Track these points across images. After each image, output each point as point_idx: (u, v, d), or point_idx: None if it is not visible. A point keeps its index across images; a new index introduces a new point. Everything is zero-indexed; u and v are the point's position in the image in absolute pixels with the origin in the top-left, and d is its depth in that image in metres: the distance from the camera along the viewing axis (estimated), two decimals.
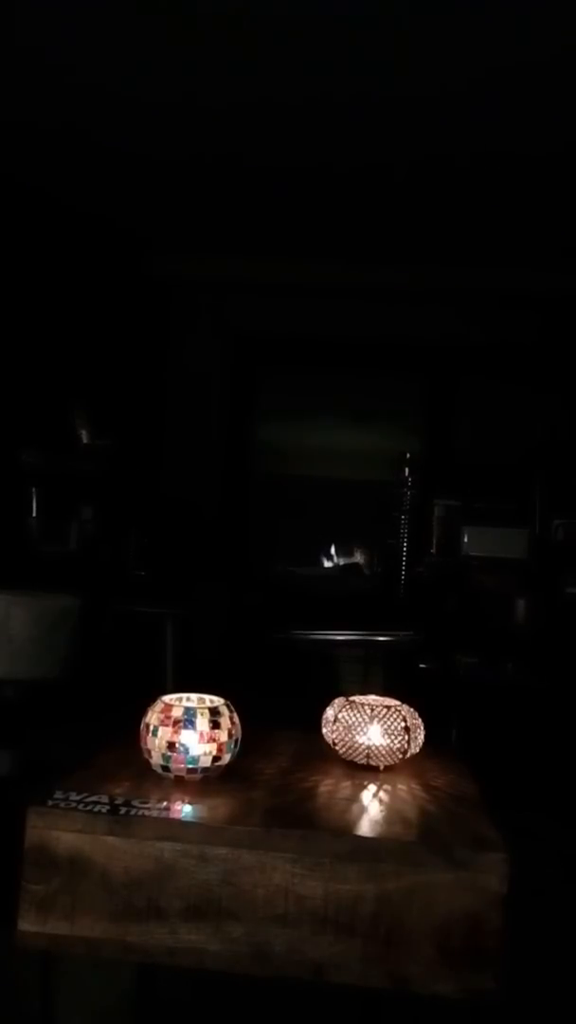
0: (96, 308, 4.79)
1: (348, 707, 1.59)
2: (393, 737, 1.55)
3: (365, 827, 1.34)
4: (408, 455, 4.75)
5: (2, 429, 4.15)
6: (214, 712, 1.44)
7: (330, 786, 1.49)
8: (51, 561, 4.02)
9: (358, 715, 1.57)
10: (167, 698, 1.48)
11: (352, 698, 1.63)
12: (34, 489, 4.22)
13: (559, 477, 4.46)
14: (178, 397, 5.38)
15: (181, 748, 1.40)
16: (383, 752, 1.55)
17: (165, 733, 1.41)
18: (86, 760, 1.51)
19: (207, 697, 1.51)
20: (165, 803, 1.33)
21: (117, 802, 1.32)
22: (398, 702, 1.62)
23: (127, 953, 1.28)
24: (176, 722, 1.41)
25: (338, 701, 1.63)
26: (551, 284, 4.95)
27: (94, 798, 1.32)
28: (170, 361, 5.37)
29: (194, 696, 1.51)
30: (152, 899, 1.26)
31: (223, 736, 1.43)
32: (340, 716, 1.59)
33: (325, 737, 1.61)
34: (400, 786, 1.51)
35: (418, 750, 1.59)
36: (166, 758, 1.41)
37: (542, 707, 3.64)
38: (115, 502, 4.59)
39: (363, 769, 1.56)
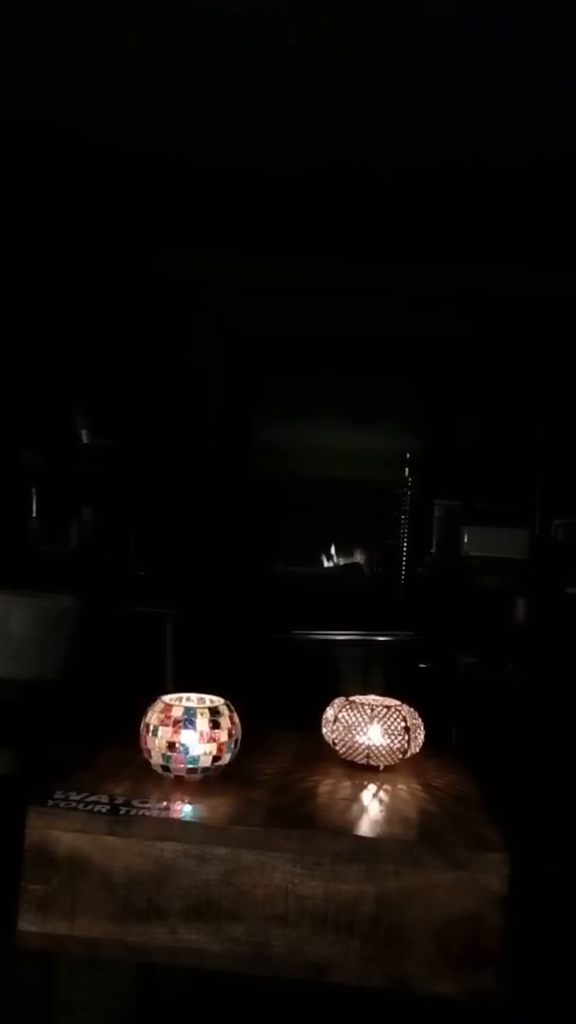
0: (96, 308, 4.79)
1: (348, 707, 1.59)
2: (393, 737, 1.55)
3: (365, 827, 1.34)
4: (408, 455, 4.75)
5: (2, 429, 4.15)
6: (214, 712, 1.44)
7: (330, 786, 1.49)
8: (51, 561, 4.02)
9: (358, 715, 1.56)
10: (167, 698, 1.48)
11: (352, 698, 1.63)
12: (34, 489, 4.22)
13: (559, 477, 4.46)
14: (178, 397, 5.38)
15: (181, 748, 1.40)
16: (383, 752, 1.55)
17: (165, 733, 1.41)
18: (86, 760, 1.51)
19: (207, 697, 1.51)
20: (165, 803, 1.33)
21: (117, 802, 1.32)
22: (398, 702, 1.62)
23: (127, 953, 1.28)
24: (176, 722, 1.41)
25: (338, 701, 1.63)
26: (551, 285, 4.95)
27: (94, 798, 1.32)
28: (170, 361, 5.38)
29: (194, 696, 1.51)
30: (152, 899, 1.26)
31: (223, 736, 1.43)
32: (340, 716, 1.58)
33: (325, 737, 1.61)
34: (400, 786, 1.51)
35: (418, 750, 1.59)
36: (166, 758, 1.41)
37: (542, 707, 3.64)
38: (115, 502, 4.59)
39: (363, 769, 1.56)
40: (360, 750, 1.56)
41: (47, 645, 3.03)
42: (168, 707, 1.44)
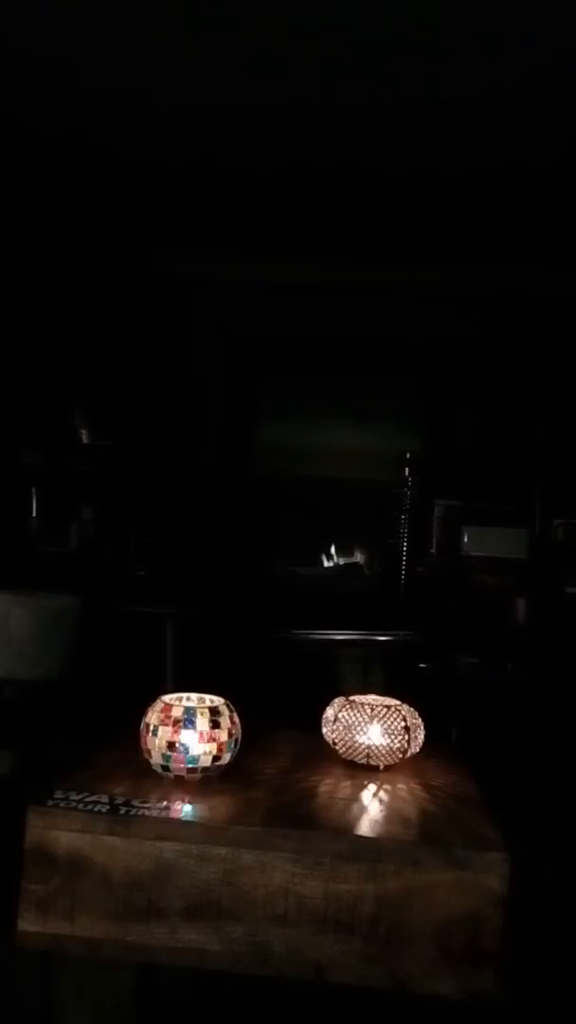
0: (96, 308, 4.79)
1: (348, 707, 1.59)
2: (393, 737, 1.55)
3: (365, 827, 1.33)
4: (408, 455, 4.75)
5: (2, 429, 4.15)
6: (214, 712, 1.44)
7: (330, 786, 1.49)
8: (51, 561, 4.03)
9: (358, 715, 1.57)
10: (167, 698, 1.48)
11: (352, 698, 1.63)
12: (34, 489, 4.22)
13: (559, 477, 4.45)
14: (178, 397, 5.38)
15: (181, 748, 1.40)
16: (383, 752, 1.55)
17: (165, 733, 1.41)
18: (86, 760, 1.51)
19: (207, 697, 1.51)
20: (165, 803, 1.33)
21: (117, 802, 1.32)
22: (398, 702, 1.62)
23: (127, 953, 1.28)
24: (176, 722, 1.41)
25: (338, 701, 1.63)
26: (551, 285, 4.95)
27: (94, 798, 1.32)
28: (170, 361, 5.37)
29: (194, 696, 1.51)
30: (152, 899, 1.26)
31: (223, 736, 1.43)
32: (340, 716, 1.59)
33: (325, 737, 1.61)
34: (400, 786, 1.51)
35: (418, 750, 1.59)
36: (166, 758, 1.41)
37: (542, 707, 3.64)
38: (115, 502, 4.59)
39: (363, 769, 1.56)
40: (360, 750, 1.56)
41: (47, 645, 3.03)
42: (168, 707, 1.44)
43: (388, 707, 1.58)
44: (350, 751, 1.57)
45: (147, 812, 1.29)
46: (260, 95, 3.32)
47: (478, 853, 1.24)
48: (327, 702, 1.65)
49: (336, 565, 5.42)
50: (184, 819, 1.30)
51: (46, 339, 4.45)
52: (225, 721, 1.44)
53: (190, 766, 1.41)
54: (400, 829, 1.32)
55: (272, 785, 1.46)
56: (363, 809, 1.41)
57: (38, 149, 3.93)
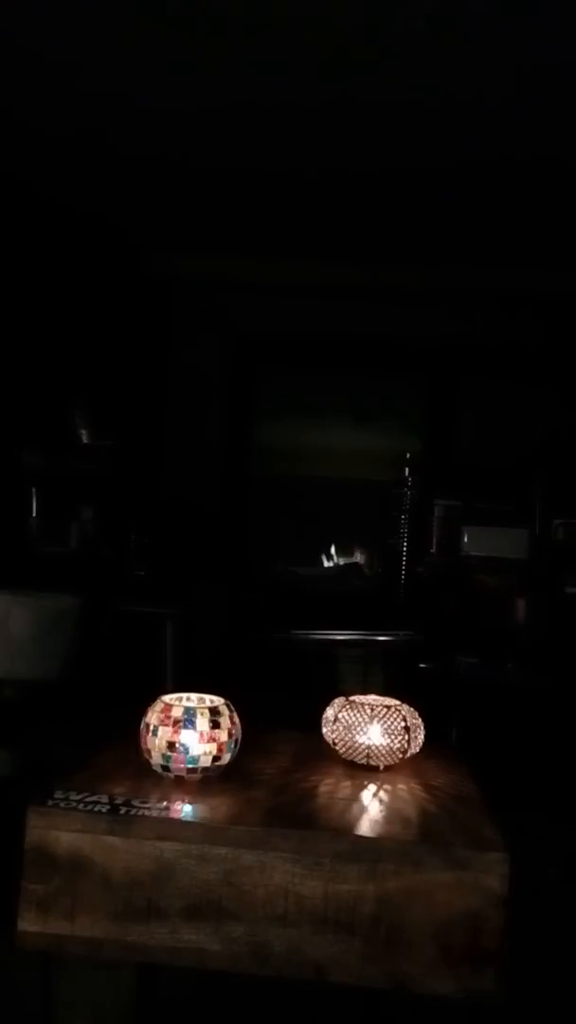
0: (96, 308, 4.79)
1: (348, 707, 1.59)
2: (393, 737, 1.55)
3: (365, 827, 1.33)
4: (408, 455, 4.75)
5: (2, 429, 4.15)
6: (214, 712, 1.44)
7: (330, 786, 1.49)
8: (51, 561, 4.03)
9: (358, 715, 1.56)
10: (167, 698, 1.48)
11: (352, 698, 1.63)
12: (34, 489, 4.22)
13: (559, 477, 4.45)
14: (178, 397, 5.38)
15: (181, 748, 1.40)
16: (383, 752, 1.55)
17: (165, 733, 1.41)
18: (86, 760, 1.51)
19: (207, 697, 1.51)
20: (165, 803, 1.33)
21: (117, 802, 1.32)
22: (398, 702, 1.62)
23: (127, 953, 1.28)
24: (176, 722, 1.41)
25: (338, 701, 1.63)
26: (552, 285, 4.95)
27: (94, 798, 1.32)
28: (170, 361, 5.38)
29: (194, 696, 1.51)
30: (152, 899, 1.26)
31: (223, 736, 1.43)
32: (340, 716, 1.58)
33: (325, 737, 1.61)
34: (400, 786, 1.51)
35: (418, 750, 1.59)
36: (166, 758, 1.41)
37: (542, 707, 3.64)
38: (115, 502, 4.59)
39: (363, 769, 1.56)
40: (360, 750, 1.56)
41: (47, 645, 3.03)
42: (168, 707, 1.44)
43: (388, 707, 1.58)
44: (350, 751, 1.57)
45: (147, 812, 1.29)
46: (260, 95, 3.32)
47: (478, 853, 1.24)
48: (327, 702, 1.65)
49: (336, 565, 5.42)
50: (184, 819, 1.30)
51: (46, 339, 4.45)
52: (225, 721, 1.44)
53: (190, 766, 1.41)
54: (400, 829, 1.32)
55: (272, 785, 1.46)
56: (363, 809, 1.41)
57: (38, 149, 3.93)
